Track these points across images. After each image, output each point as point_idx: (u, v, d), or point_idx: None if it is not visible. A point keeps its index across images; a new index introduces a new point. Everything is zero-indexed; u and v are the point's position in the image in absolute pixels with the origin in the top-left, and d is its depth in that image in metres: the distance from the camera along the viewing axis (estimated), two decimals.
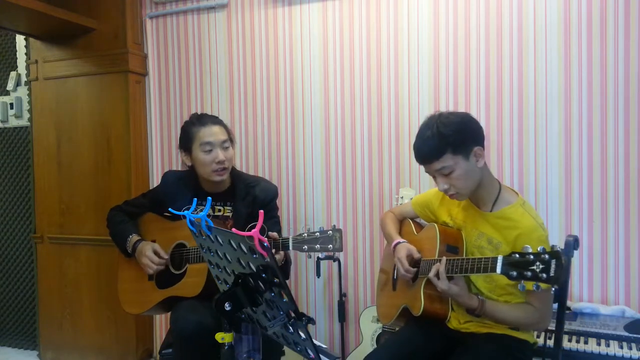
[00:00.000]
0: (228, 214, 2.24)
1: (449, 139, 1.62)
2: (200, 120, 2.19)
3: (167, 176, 2.35)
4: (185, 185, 2.24)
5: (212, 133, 2.14)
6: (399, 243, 1.92)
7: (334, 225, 1.79)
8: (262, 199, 2.21)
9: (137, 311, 2.26)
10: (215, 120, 2.21)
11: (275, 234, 1.91)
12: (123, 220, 2.28)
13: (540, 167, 2.37)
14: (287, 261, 2.10)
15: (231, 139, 2.22)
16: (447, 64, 2.50)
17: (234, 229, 1.22)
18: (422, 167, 2.51)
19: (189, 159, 2.19)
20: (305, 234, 1.80)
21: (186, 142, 2.18)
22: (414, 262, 1.86)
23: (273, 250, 1.87)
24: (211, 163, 2.11)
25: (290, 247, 1.84)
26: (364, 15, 2.64)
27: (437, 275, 1.63)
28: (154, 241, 2.22)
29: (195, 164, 2.17)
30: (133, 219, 2.32)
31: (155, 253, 2.14)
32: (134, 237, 2.21)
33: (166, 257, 2.15)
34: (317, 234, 1.78)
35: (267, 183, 2.30)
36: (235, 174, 2.28)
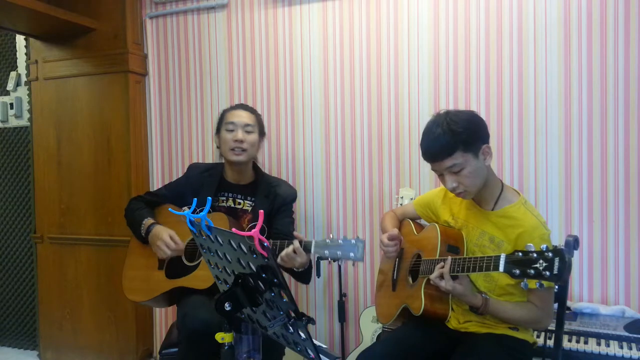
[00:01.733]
0: (247, 208, 2.29)
1: (460, 137, 1.62)
2: (234, 106, 2.39)
3: (192, 168, 2.43)
4: (210, 177, 2.33)
5: (238, 115, 2.29)
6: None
7: (358, 236, 1.79)
8: (283, 198, 2.30)
9: (140, 299, 2.23)
10: (246, 107, 2.37)
11: (301, 235, 1.92)
12: (140, 207, 2.29)
13: (540, 167, 2.37)
14: (310, 264, 2.10)
15: (261, 129, 2.35)
16: (447, 64, 2.50)
17: (234, 229, 1.22)
18: (422, 167, 2.54)
19: (218, 141, 2.33)
20: (328, 240, 1.80)
21: (218, 124, 2.33)
22: (413, 263, 1.86)
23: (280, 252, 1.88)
24: (230, 141, 2.23)
25: (312, 250, 1.84)
26: (364, 15, 2.64)
27: (441, 275, 1.63)
28: None
29: (220, 144, 2.30)
30: (151, 207, 2.33)
31: (172, 239, 2.13)
32: (149, 221, 2.20)
33: (183, 246, 2.15)
34: (340, 241, 1.77)
35: (289, 185, 2.40)
36: (259, 171, 2.39)
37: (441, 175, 1.71)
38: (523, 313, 1.68)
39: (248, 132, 2.27)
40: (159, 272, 2.21)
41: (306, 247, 1.86)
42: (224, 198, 2.30)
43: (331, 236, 1.84)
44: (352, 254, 1.74)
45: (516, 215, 1.69)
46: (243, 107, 2.36)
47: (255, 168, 2.38)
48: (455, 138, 1.62)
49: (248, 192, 2.31)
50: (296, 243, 1.87)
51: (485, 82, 2.45)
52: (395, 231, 1.92)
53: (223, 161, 2.36)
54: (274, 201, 2.28)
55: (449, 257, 1.64)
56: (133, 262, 2.31)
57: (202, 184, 2.30)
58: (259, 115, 2.37)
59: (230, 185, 2.32)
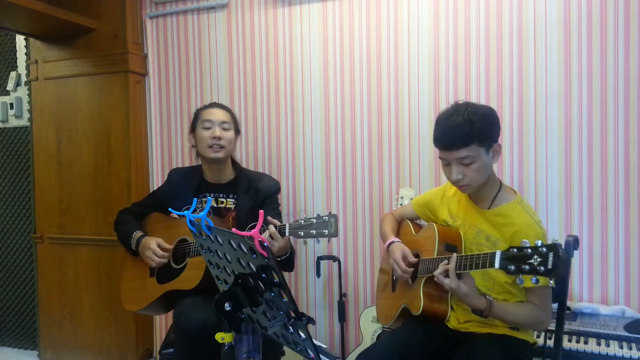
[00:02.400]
0: (230, 206, 2.29)
1: (479, 130, 1.61)
2: (208, 104, 2.39)
3: (172, 173, 2.44)
4: (190, 180, 2.33)
5: (214, 113, 2.29)
6: (392, 242, 1.92)
7: (330, 212, 1.80)
8: (265, 192, 2.29)
9: (135, 308, 2.27)
10: (221, 105, 2.37)
11: (275, 220, 1.94)
12: (128, 221, 2.34)
13: (540, 167, 2.37)
14: (292, 251, 2.13)
15: (236, 127, 2.35)
16: (447, 64, 2.50)
17: (234, 229, 1.22)
18: (422, 167, 2.55)
19: (193, 140, 2.32)
20: (302, 220, 1.82)
21: (193, 123, 2.33)
22: (411, 263, 1.86)
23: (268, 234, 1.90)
24: (208, 138, 2.23)
25: (287, 233, 1.86)
26: (364, 15, 2.64)
27: (446, 273, 1.59)
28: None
29: (197, 143, 2.29)
30: (139, 219, 2.37)
31: (159, 246, 2.17)
32: (138, 233, 2.25)
33: (170, 247, 2.18)
34: (313, 219, 1.80)
35: (270, 178, 2.39)
36: (238, 168, 2.38)
37: (447, 165, 1.69)
38: (525, 313, 1.66)
39: (225, 129, 2.27)
40: (151, 279, 2.24)
41: (281, 231, 1.88)
42: (206, 199, 2.30)
43: (304, 216, 1.85)
44: (325, 231, 1.76)
45: (511, 214, 1.69)
46: (218, 105, 2.37)
47: (235, 165, 2.38)
48: (474, 130, 1.61)
49: (229, 190, 2.31)
50: (271, 227, 1.89)
51: (485, 82, 2.45)
52: (414, 260, 1.84)
53: (201, 162, 2.37)
54: (257, 195, 2.28)
55: (454, 255, 1.60)
56: (127, 275, 2.36)
57: (183, 187, 2.31)
58: (234, 113, 2.38)
59: (211, 185, 2.32)
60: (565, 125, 2.32)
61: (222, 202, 2.30)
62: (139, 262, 2.26)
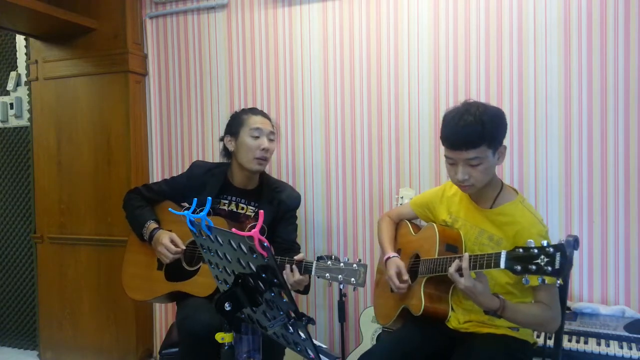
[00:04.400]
0: (250, 214, 2.25)
1: (489, 131, 1.61)
2: (252, 110, 2.31)
3: (195, 166, 2.35)
4: (214, 178, 2.26)
5: (263, 122, 2.23)
6: (389, 258, 1.91)
7: (360, 260, 1.76)
8: (287, 205, 2.26)
9: (140, 298, 2.24)
10: (264, 113, 2.31)
11: (301, 256, 1.89)
12: (141, 206, 2.27)
13: (540, 167, 2.37)
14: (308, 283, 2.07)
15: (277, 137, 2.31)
16: (447, 64, 2.50)
17: (234, 229, 1.22)
18: (422, 167, 2.54)
19: (234, 144, 2.23)
20: (330, 263, 1.78)
21: (235, 126, 2.23)
22: (411, 264, 1.86)
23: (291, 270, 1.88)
24: (256, 149, 2.17)
25: (313, 272, 1.82)
26: (364, 15, 2.64)
27: (460, 272, 1.54)
28: (169, 231, 2.21)
29: (238, 149, 2.21)
30: (151, 205, 2.30)
31: (173, 242, 2.12)
32: (152, 224, 2.19)
33: (183, 247, 2.13)
34: (342, 265, 1.76)
35: (293, 190, 2.35)
36: (264, 176, 2.33)
37: (453, 164, 1.68)
38: (538, 313, 1.61)
39: (271, 140, 2.22)
40: (158, 273, 2.20)
41: (307, 268, 1.84)
42: (227, 201, 2.25)
43: (333, 257, 1.81)
44: (353, 280, 1.73)
45: (514, 212, 1.69)
46: (263, 113, 2.29)
47: (261, 172, 2.32)
48: (485, 131, 1.60)
49: (252, 197, 2.26)
50: (297, 276, 1.85)
51: (485, 82, 2.45)
52: (407, 278, 1.82)
53: (227, 161, 2.31)
54: (279, 208, 2.23)
55: (467, 254, 1.56)
56: (133, 259, 2.30)
57: (204, 184, 2.24)
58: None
59: (235, 189, 2.26)
60: (565, 125, 2.32)
61: (242, 208, 2.25)
62: (146, 248, 2.20)
